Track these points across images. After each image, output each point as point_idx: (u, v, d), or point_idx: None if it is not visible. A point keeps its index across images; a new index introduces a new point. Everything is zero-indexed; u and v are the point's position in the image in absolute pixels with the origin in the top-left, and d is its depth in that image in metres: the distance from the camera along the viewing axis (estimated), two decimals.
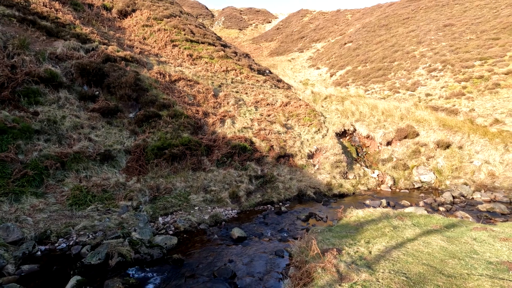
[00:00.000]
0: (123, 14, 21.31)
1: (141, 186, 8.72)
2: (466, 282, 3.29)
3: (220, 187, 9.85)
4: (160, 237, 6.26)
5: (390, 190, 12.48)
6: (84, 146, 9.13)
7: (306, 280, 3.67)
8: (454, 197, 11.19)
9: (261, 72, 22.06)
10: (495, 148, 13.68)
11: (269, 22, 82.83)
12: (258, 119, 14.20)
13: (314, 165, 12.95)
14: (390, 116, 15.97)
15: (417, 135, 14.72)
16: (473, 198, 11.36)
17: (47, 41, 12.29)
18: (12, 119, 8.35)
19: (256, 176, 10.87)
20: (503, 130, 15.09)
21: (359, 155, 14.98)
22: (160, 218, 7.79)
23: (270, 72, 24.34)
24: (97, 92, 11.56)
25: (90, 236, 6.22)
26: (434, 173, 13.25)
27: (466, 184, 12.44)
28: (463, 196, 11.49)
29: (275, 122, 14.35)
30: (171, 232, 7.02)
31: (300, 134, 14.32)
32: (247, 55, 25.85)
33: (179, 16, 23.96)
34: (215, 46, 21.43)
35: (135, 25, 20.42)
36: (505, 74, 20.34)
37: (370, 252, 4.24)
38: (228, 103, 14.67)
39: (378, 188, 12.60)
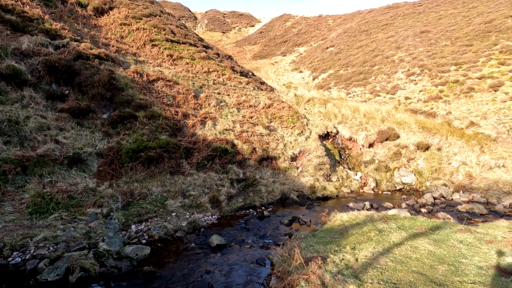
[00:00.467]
0: (100, 11, 20.40)
1: (113, 192, 8.09)
2: None
3: (199, 192, 9.37)
4: (130, 248, 5.71)
5: (372, 192, 12.45)
6: (49, 149, 8.38)
7: None
8: (434, 198, 11.28)
9: (244, 74, 21.77)
10: (472, 149, 14.04)
11: (253, 25, 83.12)
12: (240, 121, 13.83)
13: (297, 168, 12.72)
14: (371, 119, 16.09)
15: (398, 137, 14.89)
16: (452, 199, 11.51)
17: (12, 36, 11.39)
18: None
19: (237, 180, 10.47)
20: (479, 132, 15.57)
21: (342, 157, 14.93)
22: (133, 226, 7.21)
23: (253, 74, 24.10)
24: (67, 91, 10.78)
25: (51, 248, 5.58)
26: (414, 175, 13.39)
27: (445, 185, 12.63)
28: (443, 197, 11.62)
29: (257, 124, 14.04)
30: (144, 241, 6.47)
31: (283, 136, 14.07)
32: (229, 57, 25.50)
33: (160, 16, 23.28)
34: (197, 47, 20.93)
35: (112, 24, 19.57)
36: (479, 78, 21.20)
37: (356, 260, 3.96)
38: (209, 105, 14.21)
39: (361, 190, 12.54)
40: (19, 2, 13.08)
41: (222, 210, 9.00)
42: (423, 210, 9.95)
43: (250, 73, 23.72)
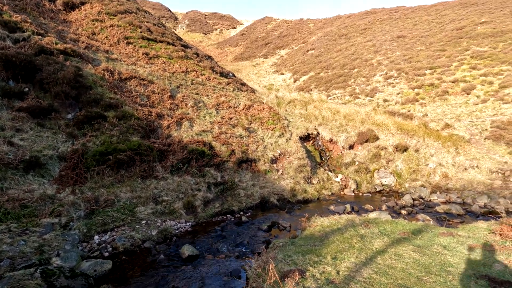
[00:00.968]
0: (70, 6, 19.20)
1: (74, 199, 7.34)
2: None
3: (173, 197, 8.76)
4: (88, 263, 5.06)
5: (353, 194, 12.32)
6: (2, 152, 7.50)
7: None
8: (414, 200, 11.30)
9: (224, 74, 21.25)
10: (448, 151, 14.32)
11: (234, 27, 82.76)
12: (219, 122, 13.32)
13: (278, 170, 12.37)
14: (351, 120, 16.09)
15: (377, 138, 14.94)
16: (430, 199, 11.58)
17: None
18: None
19: (215, 183, 9.95)
20: (453, 134, 15.98)
21: (323, 159, 14.77)
22: (96, 237, 6.51)
23: (234, 75, 23.64)
24: (27, 89, 9.83)
25: None
26: (394, 176, 13.43)
27: (423, 186, 12.74)
28: (421, 198, 11.68)
29: (237, 126, 13.58)
30: (106, 254, 5.82)
31: (263, 138, 13.70)
32: (209, 57, 24.91)
33: (136, 13, 22.33)
34: (175, 46, 20.19)
35: (83, 19, 18.45)
36: (452, 82, 21.93)
37: (338, 272, 3.60)
38: (186, 105, 13.59)
39: (342, 193, 12.38)
40: None
41: (198, 216, 8.45)
42: (403, 212, 9.88)
43: (231, 74, 23.25)
